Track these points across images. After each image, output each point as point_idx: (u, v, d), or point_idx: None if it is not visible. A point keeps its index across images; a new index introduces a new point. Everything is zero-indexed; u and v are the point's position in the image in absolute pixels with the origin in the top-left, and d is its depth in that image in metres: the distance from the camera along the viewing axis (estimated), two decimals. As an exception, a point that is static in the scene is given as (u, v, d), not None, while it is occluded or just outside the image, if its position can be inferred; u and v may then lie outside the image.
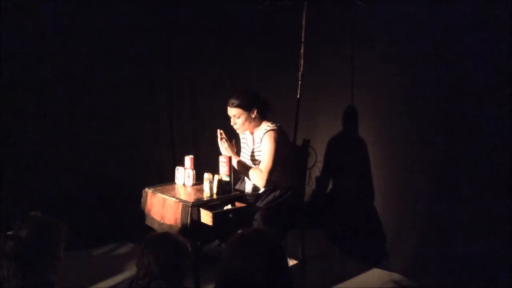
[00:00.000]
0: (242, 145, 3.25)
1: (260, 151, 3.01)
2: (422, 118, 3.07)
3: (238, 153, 3.16)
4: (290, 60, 3.69)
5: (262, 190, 3.06)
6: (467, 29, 2.71)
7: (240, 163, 3.03)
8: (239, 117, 3.00)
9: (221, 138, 3.03)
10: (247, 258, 1.50)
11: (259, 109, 3.03)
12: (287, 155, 3.05)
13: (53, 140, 3.71)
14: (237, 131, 3.12)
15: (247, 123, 3.03)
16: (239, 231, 1.63)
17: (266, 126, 3.02)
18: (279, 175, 3.03)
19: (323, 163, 3.79)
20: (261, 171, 2.92)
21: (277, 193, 2.97)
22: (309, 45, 3.55)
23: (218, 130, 3.04)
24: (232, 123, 3.05)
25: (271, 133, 2.95)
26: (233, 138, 3.14)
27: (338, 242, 3.71)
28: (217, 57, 4.19)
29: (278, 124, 3.05)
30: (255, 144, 3.08)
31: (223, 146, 3.03)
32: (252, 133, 3.12)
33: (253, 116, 3.01)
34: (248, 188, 3.15)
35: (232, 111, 3.01)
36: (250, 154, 3.12)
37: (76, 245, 3.31)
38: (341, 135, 3.77)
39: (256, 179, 2.94)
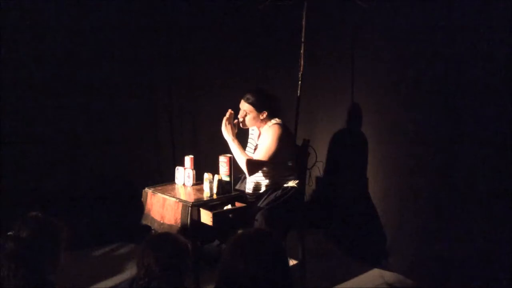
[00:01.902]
0: (249, 140, 3.27)
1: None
2: (422, 118, 3.07)
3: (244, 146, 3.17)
4: (290, 60, 3.69)
5: (263, 189, 3.07)
6: (467, 29, 2.71)
7: (235, 146, 2.98)
8: (248, 114, 3.04)
9: (227, 118, 3.02)
10: (247, 258, 1.50)
11: (270, 113, 3.05)
12: (291, 152, 3.07)
13: (53, 140, 3.70)
14: (241, 125, 3.11)
15: (253, 122, 3.07)
16: (240, 231, 1.63)
17: (273, 121, 3.04)
18: (281, 173, 3.04)
19: (323, 163, 3.79)
20: (255, 159, 2.94)
21: (279, 193, 2.97)
22: (309, 45, 3.55)
23: (229, 110, 3.04)
24: (239, 116, 3.08)
25: (275, 127, 2.98)
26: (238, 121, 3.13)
27: (338, 242, 3.71)
28: (217, 57, 4.19)
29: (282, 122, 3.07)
30: (259, 139, 3.10)
31: (224, 127, 3.01)
32: (259, 129, 3.14)
33: (262, 117, 3.05)
34: (248, 188, 3.15)
35: (243, 106, 3.05)
36: (254, 148, 3.14)
37: (76, 245, 3.31)
38: (341, 135, 3.77)
39: (243, 166, 2.94)
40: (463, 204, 2.80)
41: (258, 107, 3.02)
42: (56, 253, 1.89)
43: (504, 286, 2.59)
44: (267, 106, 3.03)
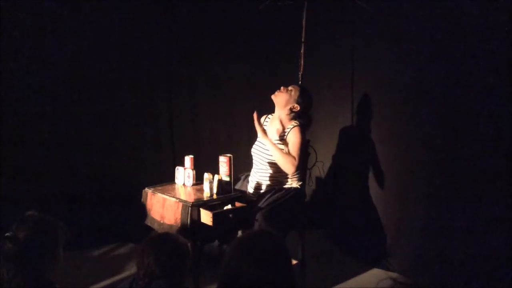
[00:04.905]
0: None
1: (279, 140, 3.09)
2: (422, 118, 3.06)
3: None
4: (290, 60, 3.68)
5: (264, 189, 3.07)
6: (467, 29, 2.71)
7: (272, 142, 3.07)
8: (290, 91, 3.14)
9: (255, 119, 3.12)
10: (250, 259, 1.49)
11: (300, 112, 3.15)
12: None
13: (53, 140, 3.70)
14: (273, 96, 3.17)
15: (284, 101, 3.14)
16: (242, 233, 1.63)
17: (294, 122, 3.13)
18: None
19: (323, 163, 3.79)
20: (294, 157, 2.99)
21: (280, 194, 2.97)
22: (309, 45, 3.55)
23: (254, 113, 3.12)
24: (283, 87, 3.17)
25: (298, 128, 3.08)
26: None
27: (338, 242, 3.71)
28: (217, 57, 4.19)
29: None
30: (277, 135, 3.13)
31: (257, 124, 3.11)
32: (280, 123, 3.18)
33: (292, 107, 3.14)
34: (250, 186, 3.16)
35: (295, 87, 3.19)
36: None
37: (76, 245, 3.31)
38: (341, 135, 3.77)
39: (287, 164, 2.98)
40: (463, 204, 2.80)
41: (298, 97, 3.12)
42: (55, 252, 1.89)
43: (504, 286, 2.59)
44: (303, 105, 3.14)
